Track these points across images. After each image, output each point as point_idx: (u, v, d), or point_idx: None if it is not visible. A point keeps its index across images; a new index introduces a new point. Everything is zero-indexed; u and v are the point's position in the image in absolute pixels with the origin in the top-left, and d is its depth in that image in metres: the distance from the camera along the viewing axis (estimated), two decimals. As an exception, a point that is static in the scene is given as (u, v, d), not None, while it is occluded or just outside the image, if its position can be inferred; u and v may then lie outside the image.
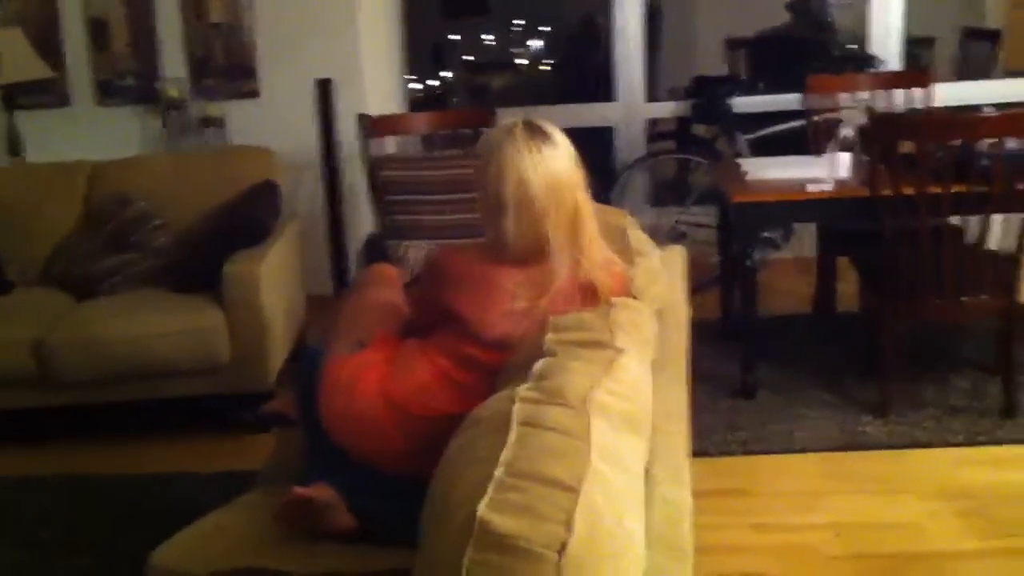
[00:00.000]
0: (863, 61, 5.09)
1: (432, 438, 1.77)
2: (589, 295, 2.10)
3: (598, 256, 2.15)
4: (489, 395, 1.65)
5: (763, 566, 2.79)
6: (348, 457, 2.17)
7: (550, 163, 2.11)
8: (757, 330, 3.84)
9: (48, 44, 4.89)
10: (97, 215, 4.20)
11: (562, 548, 1.19)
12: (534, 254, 2.12)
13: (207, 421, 3.84)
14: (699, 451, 3.15)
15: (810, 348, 4.27)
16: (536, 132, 2.14)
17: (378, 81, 5.17)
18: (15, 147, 4.81)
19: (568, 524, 1.21)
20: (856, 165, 3.73)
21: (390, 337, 2.32)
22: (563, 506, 1.23)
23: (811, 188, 3.63)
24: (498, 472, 1.30)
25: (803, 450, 3.41)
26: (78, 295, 3.99)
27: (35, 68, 4.75)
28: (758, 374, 3.83)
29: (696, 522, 2.56)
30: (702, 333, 4.06)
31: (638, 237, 2.50)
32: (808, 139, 4.50)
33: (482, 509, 1.23)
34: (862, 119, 4.06)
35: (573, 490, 1.26)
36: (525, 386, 1.56)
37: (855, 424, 3.53)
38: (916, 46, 6.39)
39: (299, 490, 2.08)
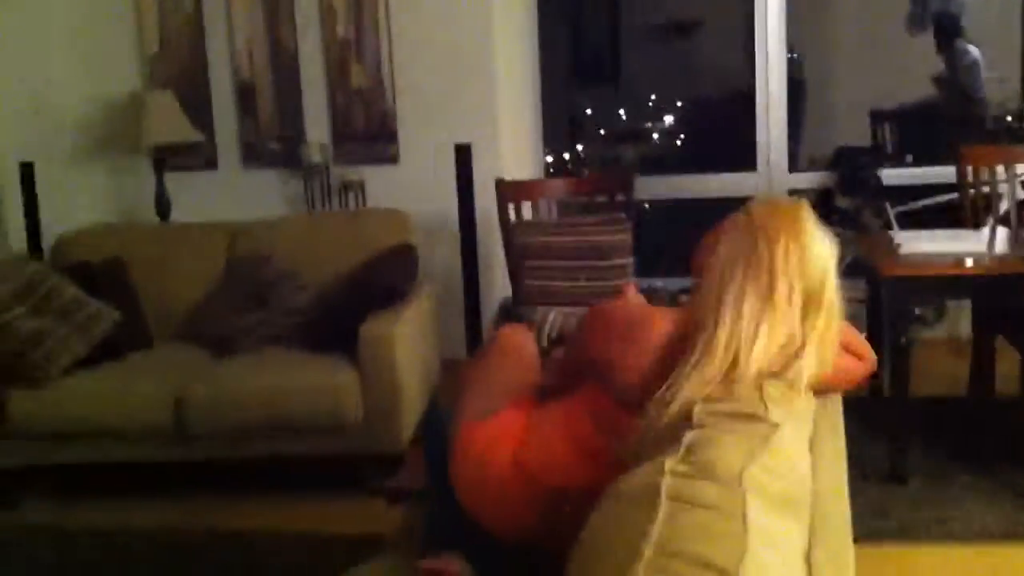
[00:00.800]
0: (1019, 134, 4.86)
1: (568, 511, 1.68)
2: None
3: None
4: (625, 468, 1.54)
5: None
6: (479, 528, 2.08)
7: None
8: (909, 411, 3.62)
9: (197, 108, 5.04)
10: (238, 274, 4.27)
11: (719, 639, 1.08)
12: None
13: (338, 482, 3.82)
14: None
15: (966, 433, 4.01)
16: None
17: (515, 148, 5.18)
18: (163, 208, 4.95)
19: (727, 613, 1.10)
20: (1015, 240, 3.53)
21: (529, 401, 2.22)
22: (720, 593, 1.13)
23: (968, 262, 3.44)
24: (647, 550, 1.19)
25: (959, 539, 3.18)
26: (216, 351, 4.04)
27: (184, 131, 4.90)
28: (910, 459, 3.61)
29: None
30: (850, 413, 3.90)
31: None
32: (962, 212, 4.30)
33: (632, 591, 1.13)
34: (1022, 193, 3.86)
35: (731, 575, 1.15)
36: (674, 458, 1.46)
37: (1017, 514, 3.28)
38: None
39: (428, 563, 2.00)
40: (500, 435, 2.11)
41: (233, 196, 5.09)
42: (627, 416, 1.98)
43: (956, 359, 4.55)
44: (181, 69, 5.09)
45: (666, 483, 1.36)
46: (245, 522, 3.61)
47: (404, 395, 3.72)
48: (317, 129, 5.06)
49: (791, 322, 1.89)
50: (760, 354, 1.85)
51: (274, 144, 5.11)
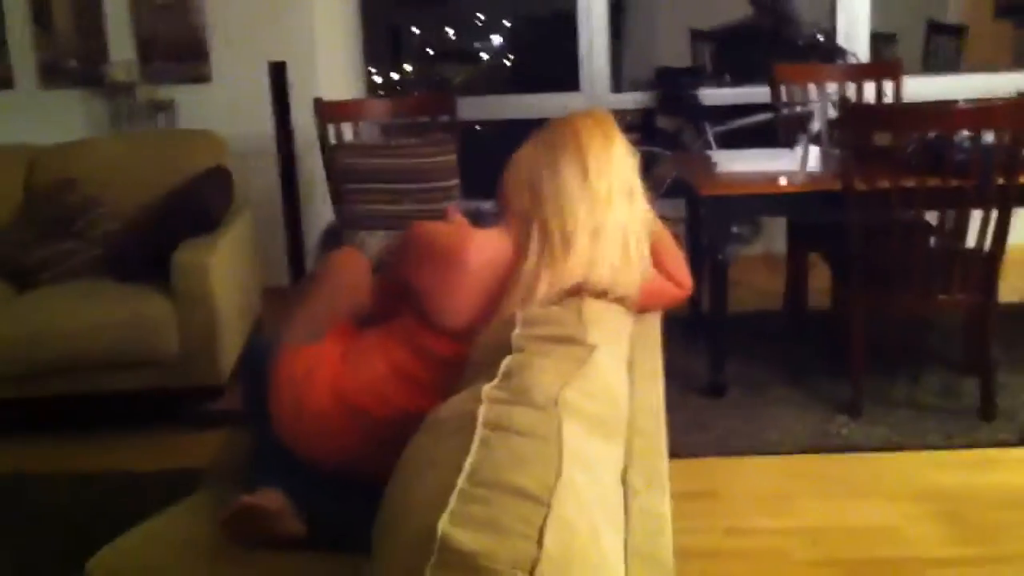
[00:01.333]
0: (830, 52, 4.99)
1: (387, 438, 1.62)
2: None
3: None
4: (450, 393, 1.51)
5: (735, 571, 2.69)
6: (298, 458, 2.02)
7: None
8: (726, 327, 3.72)
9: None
10: (38, 201, 4.02)
11: (532, 568, 1.05)
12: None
13: (154, 417, 3.67)
14: (671, 453, 3.04)
15: (781, 346, 4.17)
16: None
17: (335, 67, 5.02)
18: (-46, 130, 4.61)
19: (539, 540, 1.07)
20: (827, 158, 3.63)
21: (348, 328, 2.16)
22: (532, 520, 1.09)
23: (782, 181, 3.52)
24: (460, 481, 1.15)
25: (774, 451, 3.30)
26: (18, 285, 3.81)
27: (-25, 48, 4.55)
28: (728, 372, 3.72)
29: (673, 527, 2.45)
30: (670, 329, 3.98)
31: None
32: (777, 131, 4.40)
33: (443, 523, 1.09)
34: (833, 112, 3.97)
35: (543, 502, 1.12)
36: (491, 384, 1.42)
37: (827, 424, 3.43)
38: (879, 41, 6.35)
39: (247, 499, 1.93)
40: (318, 362, 2.05)
41: (31, 118, 4.80)
42: (441, 341, 1.95)
43: (773, 275, 4.69)
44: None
45: (482, 410, 1.33)
46: (55, 463, 3.44)
47: (222, 325, 3.59)
48: (121, 46, 4.79)
49: (601, 235, 1.91)
50: (575, 262, 1.87)
51: (74, 62, 4.80)
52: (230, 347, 3.66)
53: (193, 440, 3.46)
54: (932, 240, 3.43)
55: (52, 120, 4.78)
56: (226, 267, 3.70)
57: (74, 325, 3.50)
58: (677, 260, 2.17)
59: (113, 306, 3.55)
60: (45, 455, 3.52)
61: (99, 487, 3.21)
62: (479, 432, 1.27)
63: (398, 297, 2.10)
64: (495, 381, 1.43)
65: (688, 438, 3.38)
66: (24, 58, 4.84)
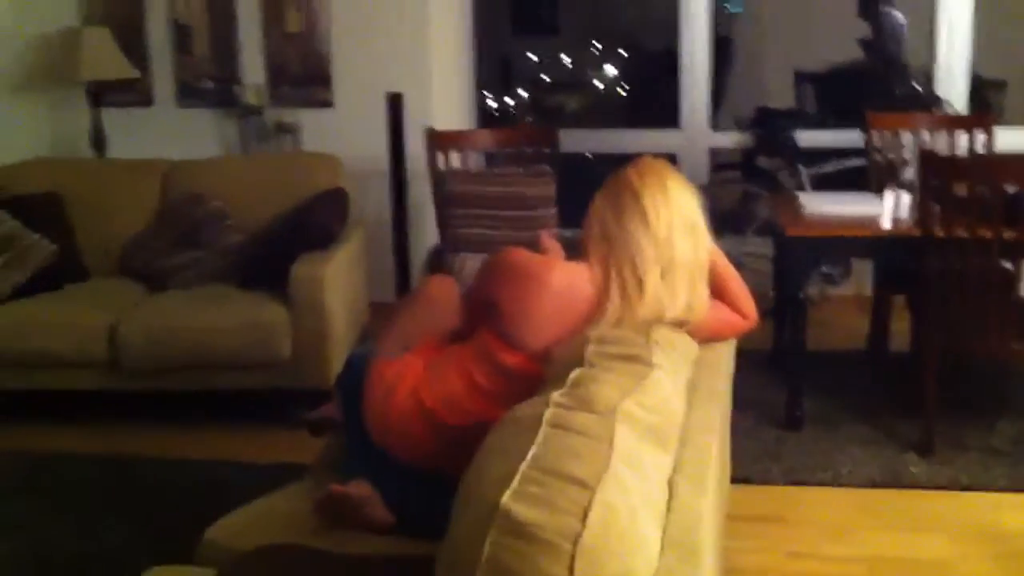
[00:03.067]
0: (927, 101, 5.09)
1: (460, 442, 1.85)
2: None
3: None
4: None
5: (792, 592, 2.85)
6: (387, 456, 2.27)
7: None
8: (805, 362, 3.87)
9: (133, 45, 5.11)
10: (171, 212, 4.37)
11: (576, 539, 1.28)
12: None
13: (266, 415, 3.97)
14: (741, 478, 3.22)
15: (861, 385, 4.29)
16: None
17: (448, 97, 5.31)
18: (99, 143, 5.02)
19: (583, 518, 1.30)
20: (916, 205, 3.75)
21: (434, 344, 2.40)
22: (580, 502, 1.32)
23: (865, 225, 3.67)
24: (523, 466, 1.39)
25: (844, 484, 3.44)
26: (150, 287, 4.17)
27: (120, 67, 4.96)
28: (806, 407, 3.86)
29: (732, 546, 2.64)
30: (754, 363, 4.18)
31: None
32: (869, 176, 4.53)
33: (506, 498, 1.32)
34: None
35: (590, 488, 1.35)
36: (559, 392, 1.65)
37: (898, 462, 3.55)
38: (989, 88, 6.38)
39: (337, 487, 2.18)
40: (404, 374, 2.29)
41: (168, 134, 5.18)
42: (516, 357, 2.18)
43: (860, 316, 4.80)
44: (117, 5, 5.15)
45: (548, 413, 1.56)
46: (174, 450, 3.76)
47: (332, 334, 3.88)
48: (252, 71, 5.15)
49: (671, 272, 2.12)
50: (649, 299, 2.08)
51: (209, 84, 5.19)
52: (338, 354, 3.94)
53: (300, 438, 3.73)
54: (1007, 288, 3.52)
55: (187, 137, 5.16)
56: (339, 280, 4.00)
57: (198, 326, 3.83)
58: (742, 291, 2.35)
59: (235, 311, 3.87)
60: (166, 442, 3.85)
61: (213, 474, 3.52)
62: (543, 430, 1.50)
63: (479, 315, 2.32)
64: (563, 389, 1.66)
65: (761, 466, 3.54)
66: (164, 79, 5.24)
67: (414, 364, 2.31)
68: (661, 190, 2.18)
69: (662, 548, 1.44)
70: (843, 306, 5.20)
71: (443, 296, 2.60)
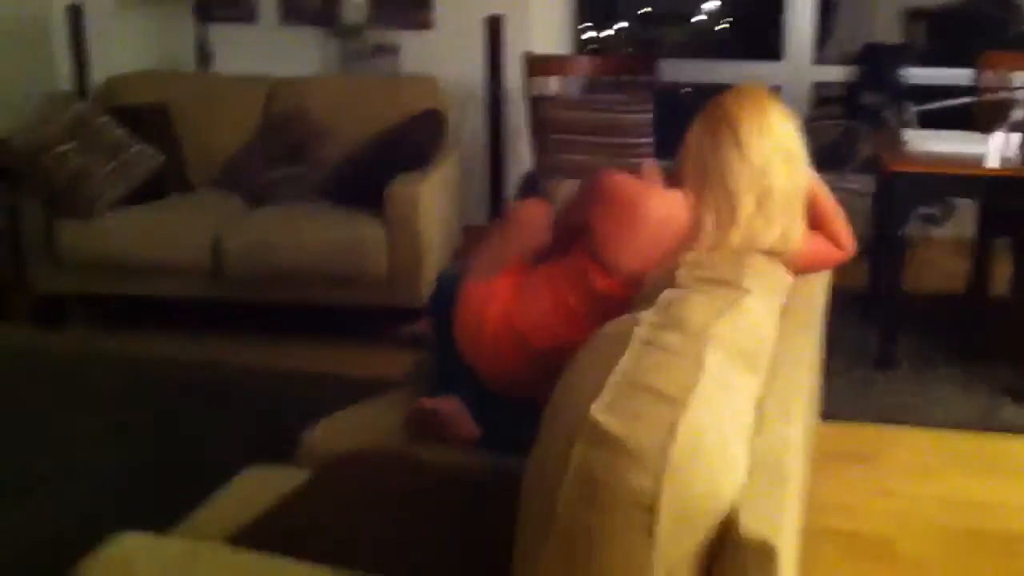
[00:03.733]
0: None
1: (547, 365, 1.85)
2: None
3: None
4: None
5: (878, 528, 2.83)
6: (475, 374, 2.31)
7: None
8: (900, 302, 3.81)
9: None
10: (273, 127, 4.45)
11: (664, 454, 1.30)
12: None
13: (362, 330, 4.06)
14: (831, 415, 3.20)
15: (957, 328, 4.22)
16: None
17: (548, 23, 5.27)
18: (204, 58, 5.11)
19: (671, 432, 1.32)
20: (1024, 146, 3.65)
21: (523, 266, 2.41)
22: (668, 417, 1.34)
23: (971, 164, 3.58)
24: (613, 379, 1.41)
25: (935, 425, 3.40)
26: (251, 201, 4.27)
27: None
28: (900, 348, 3.82)
29: (819, 481, 2.64)
30: (850, 303, 4.13)
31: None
32: (978, 116, 4.40)
33: (594, 410, 1.35)
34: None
35: (679, 404, 1.36)
36: (650, 310, 1.66)
37: (991, 406, 3.49)
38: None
39: (427, 401, 2.24)
40: (495, 295, 2.32)
41: (272, 51, 5.23)
42: (610, 282, 2.19)
43: (960, 258, 4.70)
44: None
45: (638, 330, 1.57)
46: (272, 360, 3.88)
47: (426, 253, 3.94)
48: (356, -11, 5.16)
49: (766, 200, 2.10)
50: (743, 227, 2.07)
51: (312, 2, 5.23)
52: (432, 274, 3.99)
53: (395, 353, 3.80)
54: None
55: (289, 54, 5.20)
56: (433, 201, 4.05)
57: (297, 241, 3.92)
58: (839, 221, 2.32)
59: (332, 227, 3.95)
60: (266, 352, 3.96)
61: (311, 385, 3.62)
62: (634, 345, 1.51)
63: (574, 236, 2.32)
64: (654, 308, 1.68)
65: (851, 404, 3.52)
66: (272, -5, 5.31)
67: (504, 287, 2.33)
68: (759, 117, 2.15)
69: (749, 471, 1.46)
70: (943, 248, 5.09)
71: (536, 220, 2.60)
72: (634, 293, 2.05)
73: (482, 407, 2.27)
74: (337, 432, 2.30)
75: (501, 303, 2.30)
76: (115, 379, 3.73)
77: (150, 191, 4.17)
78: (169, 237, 4.00)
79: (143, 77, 4.77)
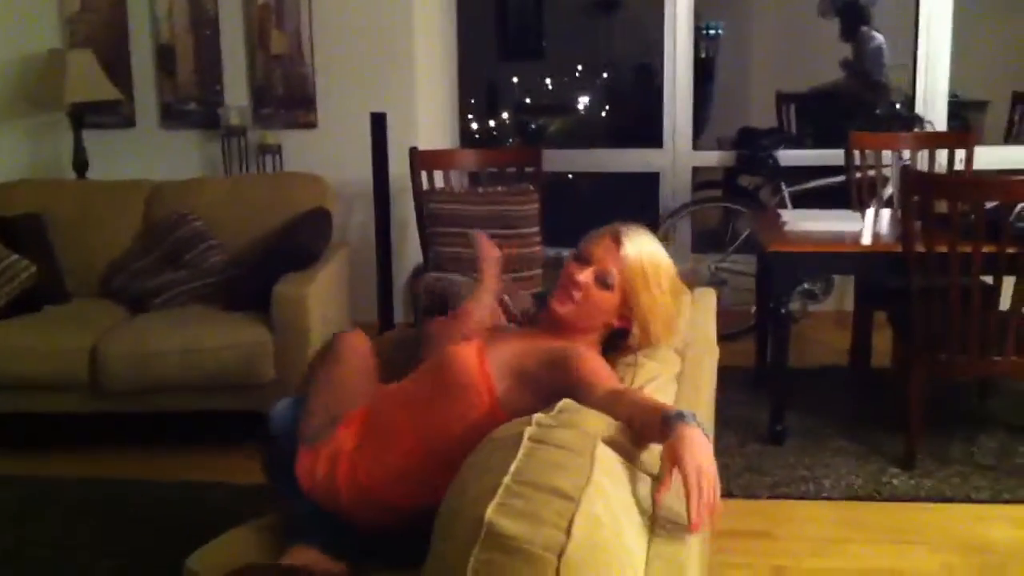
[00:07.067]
0: (908, 121, 5.15)
1: (427, 512, 1.64)
2: None
3: None
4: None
5: (779, 607, 2.85)
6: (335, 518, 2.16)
7: None
8: (788, 378, 3.89)
9: (117, 67, 5.13)
10: (154, 233, 4.37)
11: (561, 552, 1.28)
12: None
13: (249, 435, 3.95)
14: (725, 493, 3.17)
15: (843, 400, 4.31)
16: None
17: (432, 118, 5.33)
18: (80, 166, 5.02)
19: (568, 530, 1.30)
20: (896, 222, 3.79)
21: (358, 416, 2.23)
22: (564, 514, 1.32)
23: (846, 241, 3.71)
24: (506, 480, 1.39)
25: (828, 498, 3.45)
26: (132, 308, 4.15)
27: (104, 89, 4.97)
28: (789, 423, 3.88)
29: (718, 560, 2.64)
30: (738, 380, 4.20)
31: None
32: (849, 194, 4.57)
33: (490, 512, 1.33)
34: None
35: (574, 500, 1.35)
36: (544, 413, 1.65)
37: (880, 475, 3.56)
38: (969, 109, 6.46)
39: (284, 563, 2.10)
40: (335, 459, 2.14)
41: (151, 155, 5.19)
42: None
43: (842, 331, 4.84)
44: (101, 28, 5.16)
45: (530, 431, 1.56)
46: (158, 472, 3.74)
47: (315, 352, 3.86)
48: (236, 92, 5.17)
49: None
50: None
51: (193, 105, 5.20)
52: (321, 374, 3.94)
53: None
54: (988, 304, 3.55)
55: (170, 158, 5.17)
56: (322, 300, 3.99)
57: (181, 347, 3.80)
58: None
59: (217, 332, 3.85)
60: (151, 463, 3.83)
61: (199, 494, 3.51)
62: (525, 444, 1.50)
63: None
64: (550, 412, 1.67)
65: (745, 481, 3.55)
66: (147, 100, 5.25)
67: (343, 444, 2.16)
68: None
69: (647, 561, 1.45)
70: (825, 322, 5.24)
71: (358, 353, 2.44)
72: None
73: (347, 545, 2.14)
74: (220, 555, 2.21)
75: (346, 466, 2.12)
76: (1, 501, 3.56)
77: (24, 304, 4.03)
78: (44, 351, 3.85)
79: (16, 187, 4.64)
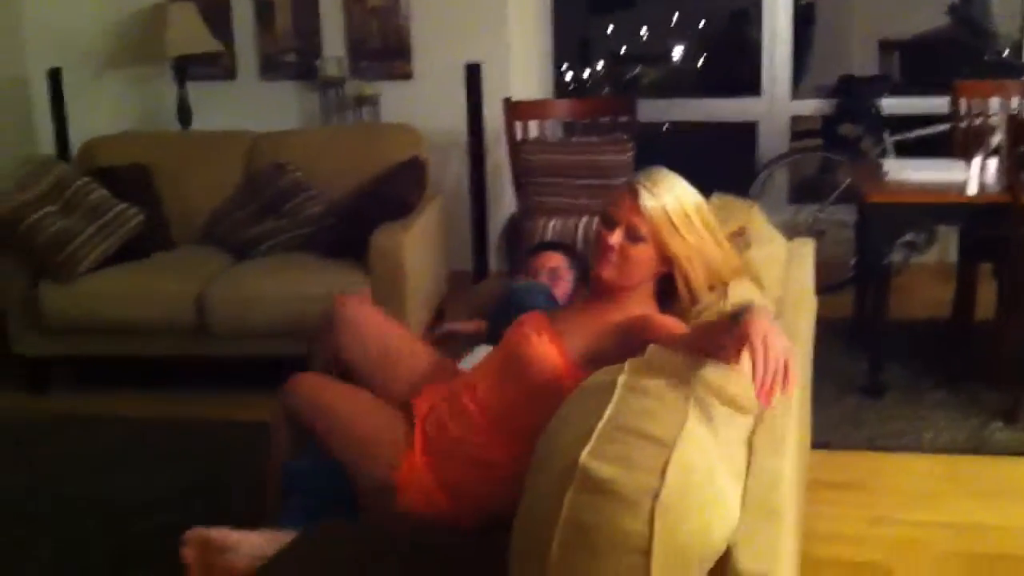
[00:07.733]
0: (1016, 69, 4.96)
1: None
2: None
3: None
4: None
5: (875, 557, 2.82)
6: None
7: None
8: (888, 330, 3.82)
9: (217, 20, 5.20)
10: (255, 183, 4.46)
11: (655, 496, 1.30)
12: None
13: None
14: (822, 444, 3.22)
15: (944, 353, 4.22)
16: None
17: (526, 68, 5.32)
18: (184, 117, 5.13)
19: (662, 475, 1.32)
20: (1003, 172, 3.68)
21: (413, 434, 2.26)
22: (657, 459, 1.34)
23: (950, 191, 3.61)
24: (600, 425, 1.41)
25: (927, 451, 3.40)
26: (235, 256, 4.26)
27: (205, 42, 5.07)
28: (888, 375, 3.82)
29: (813, 511, 2.64)
30: (836, 332, 4.14)
31: (762, 227, 2.55)
32: (954, 143, 4.44)
33: (584, 456, 1.35)
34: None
35: (667, 446, 1.36)
36: (636, 361, 1.66)
37: (982, 429, 3.50)
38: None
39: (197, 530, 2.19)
40: (419, 487, 2.18)
41: (251, 107, 5.26)
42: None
43: (944, 284, 4.72)
44: (203, -19, 5.25)
45: (623, 378, 1.57)
46: (257, 415, 3.84)
47: (411, 302, 3.94)
48: (333, 44, 5.21)
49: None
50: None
51: (292, 57, 5.27)
52: (417, 322, 4.00)
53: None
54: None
55: (269, 109, 5.24)
56: (417, 249, 4.05)
57: (281, 294, 3.92)
58: None
59: (316, 280, 3.93)
60: (250, 407, 3.93)
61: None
62: (619, 392, 1.51)
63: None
64: (637, 359, 1.67)
65: (842, 432, 3.52)
66: (247, 53, 5.33)
67: (416, 470, 2.19)
68: None
69: (742, 507, 1.46)
70: (927, 274, 5.12)
71: (371, 322, 2.62)
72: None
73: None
74: None
75: (430, 489, 2.17)
76: (95, 439, 3.69)
77: (133, 251, 4.17)
78: (153, 296, 3.99)
79: (123, 138, 4.79)
